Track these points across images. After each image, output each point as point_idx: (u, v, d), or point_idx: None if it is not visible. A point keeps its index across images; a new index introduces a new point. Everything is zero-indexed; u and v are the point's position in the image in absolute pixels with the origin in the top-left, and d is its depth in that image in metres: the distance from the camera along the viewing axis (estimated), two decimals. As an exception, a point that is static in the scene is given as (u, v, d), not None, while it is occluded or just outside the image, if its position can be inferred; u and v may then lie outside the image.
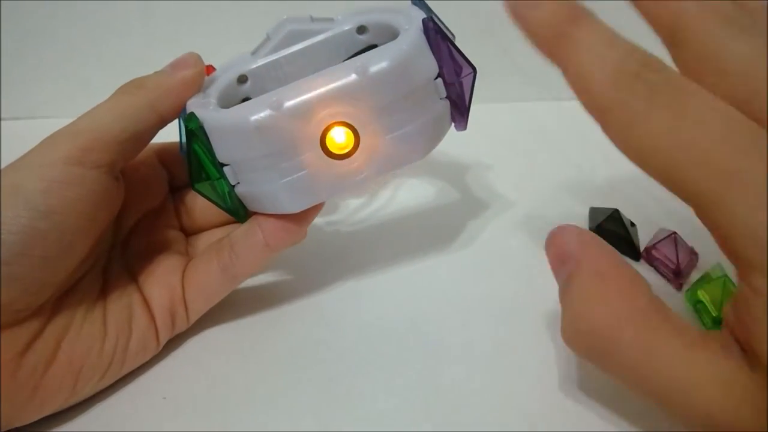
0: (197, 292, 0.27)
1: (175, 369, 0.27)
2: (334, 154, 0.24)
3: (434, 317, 0.29)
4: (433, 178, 0.40)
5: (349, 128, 0.24)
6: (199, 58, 0.27)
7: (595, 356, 0.20)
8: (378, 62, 0.23)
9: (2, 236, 0.21)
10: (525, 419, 0.24)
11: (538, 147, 0.48)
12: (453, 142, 0.28)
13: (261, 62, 0.30)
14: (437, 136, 0.26)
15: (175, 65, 0.27)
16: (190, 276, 0.28)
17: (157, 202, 0.30)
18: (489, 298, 0.30)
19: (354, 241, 0.35)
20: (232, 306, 0.29)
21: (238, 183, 0.26)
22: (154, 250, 0.28)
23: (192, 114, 0.25)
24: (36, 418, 0.23)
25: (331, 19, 0.30)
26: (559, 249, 0.22)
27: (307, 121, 0.23)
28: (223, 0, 0.48)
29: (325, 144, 0.24)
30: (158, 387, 0.27)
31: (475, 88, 0.26)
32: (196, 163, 0.26)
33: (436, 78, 0.25)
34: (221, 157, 0.25)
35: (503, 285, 0.31)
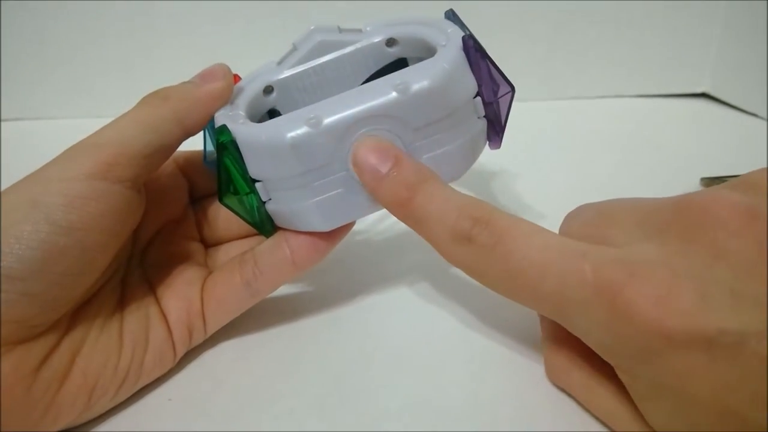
0: (216, 306, 0.27)
1: (181, 371, 0.27)
2: None
3: (441, 319, 0.29)
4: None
5: None
6: (228, 69, 0.26)
7: (565, 389, 0.24)
8: (419, 81, 0.23)
9: (21, 251, 0.20)
10: (533, 423, 0.24)
11: (540, 146, 0.48)
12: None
13: (288, 73, 0.29)
14: (474, 155, 0.25)
15: (203, 77, 0.26)
16: (210, 289, 0.27)
17: (177, 212, 0.29)
18: (496, 299, 0.30)
19: (372, 251, 0.35)
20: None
21: (269, 200, 0.25)
22: (172, 261, 0.28)
23: (224, 126, 0.24)
24: None
25: (359, 30, 0.29)
26: None
27: (344, 139, 0.23)
28: (228, 0, 0.47)
29: None
30: (164, 388, 0.26)
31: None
32: (225, 176, 0.25)
33: (475, 97, 0.24)
34: (253, 173, 0.24)
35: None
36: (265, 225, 0.26)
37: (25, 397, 0.21)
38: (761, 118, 0.53)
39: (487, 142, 0.26)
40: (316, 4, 0.46)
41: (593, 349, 0.21)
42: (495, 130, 0.25)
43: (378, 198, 0.24)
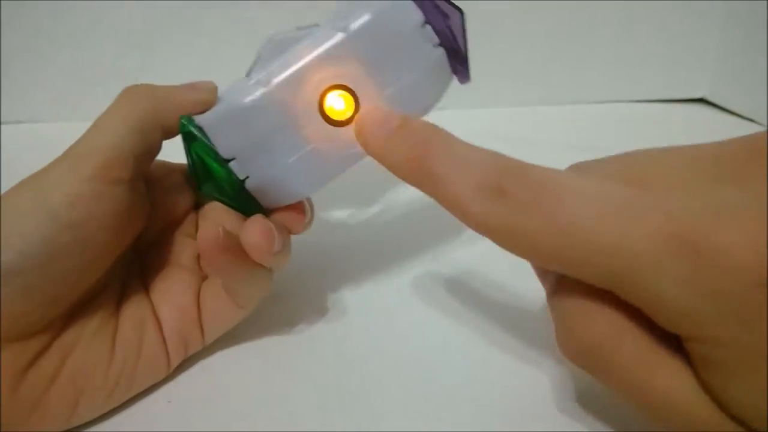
0: (212, 318, 0.26)
1: (180, 372, 0.26)
2: (336, 121, 0.24)
3: (436, 320, 0.29)
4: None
5: (347, 91, 0.23)
6: (215, 87, 0.26)
7: (594, 370, 0.19)
8: (360, 17, 0.23)
9: (24, 247, 0.20)
10: (527, 421, 0.24)
11: (538, 151, 0.47)
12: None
13: (255, 78, 0.29)
14: (437, 85, 0.25)
15: (190, 86, 0.26)
16: (206, 299, 0.26)
17: (179, 215, 0.28)
18: (489, 299, 0.30)
19: (369, 253, 0.35)
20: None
21: (248, 177, 0.25)
22: (170, 266, 0.27)
23: (183, 117, 0.25)
24: None
25: (316, 25, 0.30)
26: None
27: (301, 89, 0.23)
28: (226, 0, 0.48)
29: (324, 112, 0.23)
30: (163, 390, 0.26)
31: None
32: (200, 165, 0.25)
33: (424, 25, 0.24)
34: (225, 151, 0.24)
35: (502, 285, 0.31)
36: (251, 207, 0.26)
37: (12, 397, 0.21)
38: (759, 123, 0.52)
39: (455, 77, 0.25)
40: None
41: (659, 317, 0.17)
42: (458, 59, 0.25)
43: (386, 160, 0.22)
